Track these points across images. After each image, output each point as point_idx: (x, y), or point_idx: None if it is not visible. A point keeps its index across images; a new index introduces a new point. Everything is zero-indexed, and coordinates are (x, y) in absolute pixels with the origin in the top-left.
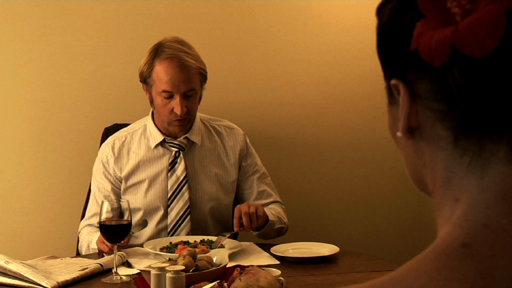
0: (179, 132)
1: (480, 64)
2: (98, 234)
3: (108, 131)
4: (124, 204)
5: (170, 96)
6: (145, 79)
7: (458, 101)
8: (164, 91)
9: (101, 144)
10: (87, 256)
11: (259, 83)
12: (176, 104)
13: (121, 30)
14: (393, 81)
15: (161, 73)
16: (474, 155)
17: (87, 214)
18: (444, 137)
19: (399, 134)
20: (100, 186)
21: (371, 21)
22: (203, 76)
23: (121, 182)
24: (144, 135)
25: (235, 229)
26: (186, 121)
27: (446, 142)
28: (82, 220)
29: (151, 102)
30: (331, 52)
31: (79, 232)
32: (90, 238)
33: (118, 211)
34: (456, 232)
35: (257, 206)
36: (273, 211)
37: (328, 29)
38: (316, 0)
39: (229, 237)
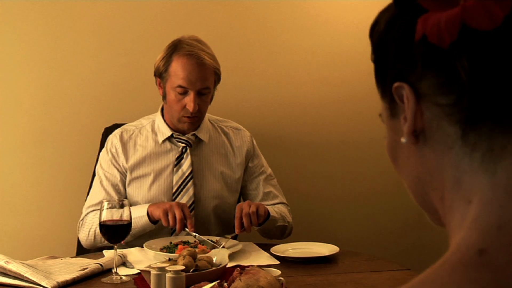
0: (187, 129)
1: (488, 45)
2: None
3: (108, 131)
4: (124, 204)
5: (184, 92)
6: (161, 73)
7: (466, 88)
8: (179, 86)
9: (101, 144)
10: (87, 256)
11: (259, 83)
12: (189, 101)
13: (121, 30)
14: (396, 84)
15: (178, 68)
16: (486, 150)
17: (92, 201)
18: (452, 134)
19: (403, 139)
20: (107, 174)
21: (371, 21)
22: (217, 76)
23: (126, 173)
24: (152, 130)
25: (236, 231)
26: (196, 119)
27: (454, 139)
28: (84, 208)
29: (164, 97)
30: (332, 52)
31: (82, 219)
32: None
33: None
34: (471, 237)
35: (258, 205)
36: (277, 209)
37: (330, 29)
38: (316, 1)
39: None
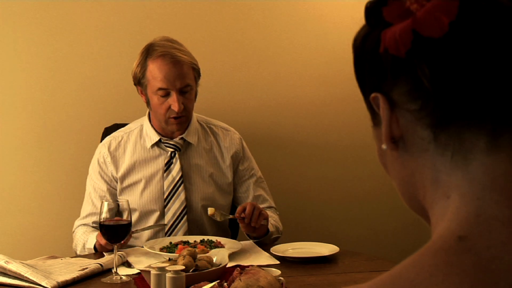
0: (177, 130)
1: (443, 50)
2: (94, 234)
3: (108, 131)
4: (124, 204)
5: (166, 94)
6: (139, 80)
7: (431, 93)
8: (160, 89)
9: None
10: (87, 256)
11: (256, 83)
12: (173, 101)
13: (121, 31)
14: (372, 95)
15: (155, 71)
16: (455, 149)
17: (82, 214)
18: (425, 137)
19: (383, 146)
20: (95, 186)
21: None
22: (196, 72)
23: (117, 183)
24: (140, 135)
25: (236, 215)
26: (184, 118)
27: (428, 142)
28: (77, 220)
29: (148, 103)
30: (330, 52)
31: (74, 231)
32: (86, 238)
33: (117, 211)
34: (452, 226)
35: (261, 210)
36: (273, 221)
37: (327, 28)
38: (315, 0)
39: (225, 220)
